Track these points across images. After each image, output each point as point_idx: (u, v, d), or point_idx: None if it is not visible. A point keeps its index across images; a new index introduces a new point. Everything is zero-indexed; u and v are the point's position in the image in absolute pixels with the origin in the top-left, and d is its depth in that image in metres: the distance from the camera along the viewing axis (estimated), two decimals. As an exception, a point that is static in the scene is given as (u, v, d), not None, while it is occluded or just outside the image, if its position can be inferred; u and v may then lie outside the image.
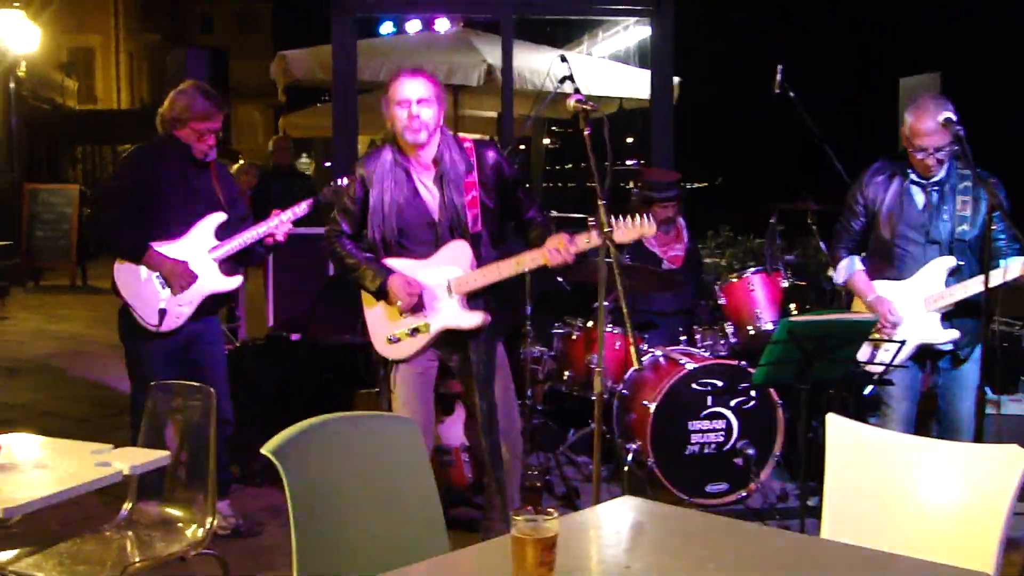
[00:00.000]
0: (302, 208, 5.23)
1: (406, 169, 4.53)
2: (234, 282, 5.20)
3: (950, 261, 4.75)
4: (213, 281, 5.11)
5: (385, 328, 4.61)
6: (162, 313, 4.99)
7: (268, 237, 5.18)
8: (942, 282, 4.76)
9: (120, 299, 5.05)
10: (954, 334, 4.77)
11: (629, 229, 4.28)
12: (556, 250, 4.37)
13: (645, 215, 4.29)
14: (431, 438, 4.69)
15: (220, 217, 5.14)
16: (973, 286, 4.62)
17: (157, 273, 4.99)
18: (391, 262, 4.55)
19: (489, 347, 4.61)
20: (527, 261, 4.44)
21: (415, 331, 4.55)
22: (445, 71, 10.02)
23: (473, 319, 4.54)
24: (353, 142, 9.21)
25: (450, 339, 4.61)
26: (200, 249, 5.08)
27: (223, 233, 5.14)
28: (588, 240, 4.32)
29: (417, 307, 4.52)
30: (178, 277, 4.98)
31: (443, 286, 4.53)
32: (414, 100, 4.42)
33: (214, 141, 5.13)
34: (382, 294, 4.53)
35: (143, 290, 5.01)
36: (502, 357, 4.74)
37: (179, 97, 5.12)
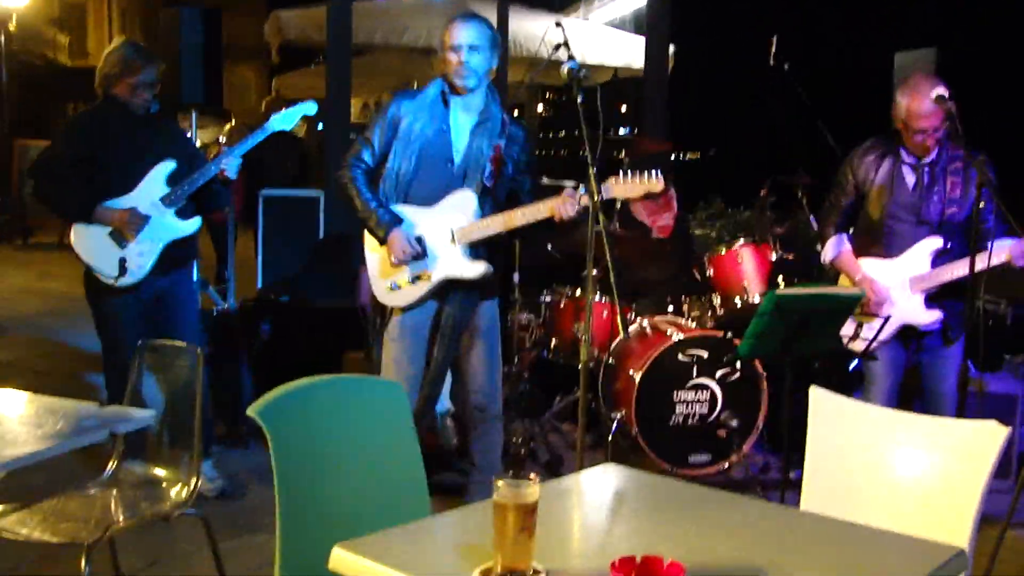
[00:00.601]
0: (247, 142, 5.16)
1: (447, 104, 4.57)
2: (191, 225, 5.15)
3: (937, 242, 4.75)
4: (169, 227, 5.08)
5: (387, 274, 4.62)
6: (121, 264, 4.97)
7: (221, 173, 5.10)
8: (928, 263, 4.76)
9: (80, 262, 5.05)
10: (936, 315, 4.78)
11: (636, 184, 4.30)
12: (562, 202, 4.37)
13: (653, 171, 4.31)
14: (419, 395, 4.71)
15: (169, 165, 5.08)
16: (959, 268, 4.62)
17: (109, 228, 4.99)
18: (397, 208, 4.56)
19: (468, 305, 4.63)
20: (531, 212, 4.45)
21: (416, 279, 4.57)
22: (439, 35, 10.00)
23: (476, 268, 4.56)
24: (346, 104, 9.19)
25: (448, 290, 4.63)
26: (151, 197, 5.03)
27: (175, 182, 5.09)
28: (584, 194, 4.33)
29: (419, 255, 4.53)
30: (128, 224, 4.96)
31: (446, 234, 4.54)
32: (465, 46, 4.47)
33: (149, 95, 5.09)
34: (385, 243, 4.54)
35: (99, 246, 4.99)
36: (493, 317, 4.77)
37: (110, 55, 5.10)
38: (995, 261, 4.50)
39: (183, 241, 5.16)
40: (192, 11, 6.65)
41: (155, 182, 5.07)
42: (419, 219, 4.55)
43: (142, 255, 5.02)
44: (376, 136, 4.61)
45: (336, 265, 8.19)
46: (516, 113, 16.13)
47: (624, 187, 4.30)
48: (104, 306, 5.09)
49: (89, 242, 5.01)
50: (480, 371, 4.71)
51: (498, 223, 4.49)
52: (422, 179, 4.56)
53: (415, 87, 4.95)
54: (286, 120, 5.23)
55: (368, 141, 4.62)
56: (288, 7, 10.79)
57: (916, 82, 4.68)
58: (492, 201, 4.59)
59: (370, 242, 4.67)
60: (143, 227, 4.99)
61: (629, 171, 4.30)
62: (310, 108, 5.27)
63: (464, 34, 4.50)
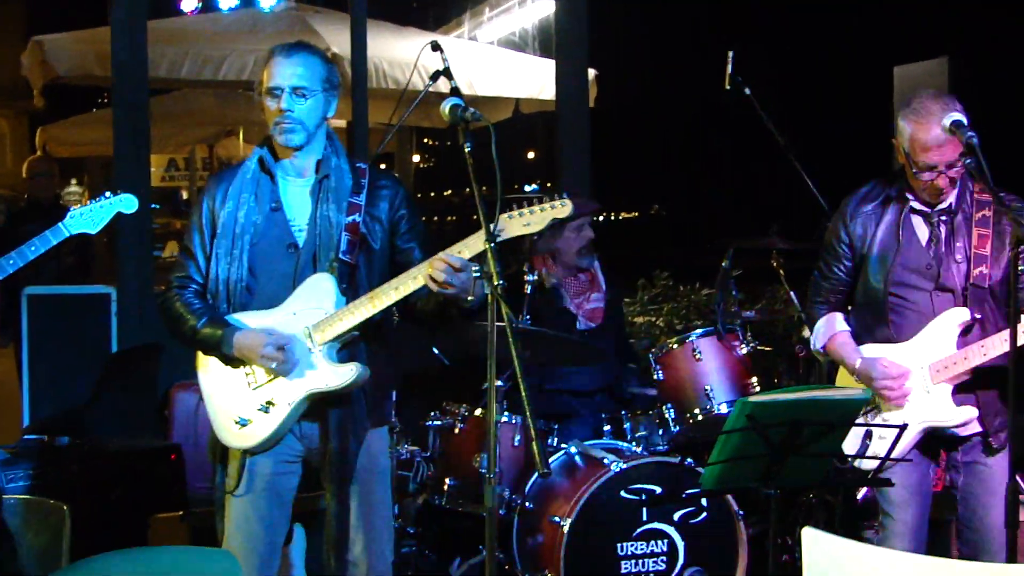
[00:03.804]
0: (32, 250, 5.05)
1: (272, 175, 4.55)
2: None
3: (963, 314, 4.81)
4: None
5: (231, 408, 4.51)
6: None
7: None
8: (953, 343, 4.82)
9: None
10: (970, 412, 4.82)
11: (538, 215, 4.27)
12: (439, 265, 4.29)
13: (555, 195, 4.30)
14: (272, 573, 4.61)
15: None
16: (995, 347, 4.69)
17: None
18: (235, 318, 4.48)
19: (352, 432, 4.54)
20: (405, 285, 4.37)
21: (268, 405, 4.44)
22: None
23: (343, 376, 4.45)
24: (143, 161, 9.10)
25: (314, 412, 4.52)
26: None
27: None
28: (469, 247, 4.28)
29: (285, 354, 4.41)
30: None
31: (301, 337, 4.47)
32: (287, 89, 4.45)
33: None
34: (232, 358, 4.45)
35: None
36: (381, 453, 4.71)
37: None
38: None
39: None
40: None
41: None
42: (263, 323, 4.47)
43: None
44: (196, 242, 4.58)
45: (136, 389, 8.05)
46: (384, 167, 16.24)
47: (521, 221, 4.26)
48: None
49: None
50: (365, 529, 4.63)
51: (362, 310, 4.40)
52: (262, 281, 4.52)
53: (240, 141, 4.91)
54: (92, 220, 5.12)
55: (189, 252, 4.60)
56: (55, 30, 10.71)
57: (924, 104, 4.75)
58: (362, 282, 4.54)
59: (206, 365, 4.59)
60: None
61: (525, 203, 4.28)
62: (129, 203, 5.15)
63: (285, 72, 4.48)
